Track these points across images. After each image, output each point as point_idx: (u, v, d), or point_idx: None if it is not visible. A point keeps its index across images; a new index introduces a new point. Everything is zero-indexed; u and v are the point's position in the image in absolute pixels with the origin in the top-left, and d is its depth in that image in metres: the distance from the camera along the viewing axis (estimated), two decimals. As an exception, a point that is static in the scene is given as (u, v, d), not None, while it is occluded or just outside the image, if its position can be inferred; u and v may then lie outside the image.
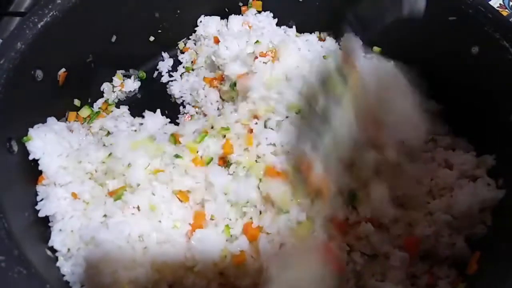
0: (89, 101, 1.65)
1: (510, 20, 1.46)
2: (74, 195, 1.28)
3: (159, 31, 1.79)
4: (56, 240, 1.21)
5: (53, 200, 1.24)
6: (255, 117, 1.42)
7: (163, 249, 1.19)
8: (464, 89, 1.45)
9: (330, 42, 1.79)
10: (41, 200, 1.27)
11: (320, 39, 1.81)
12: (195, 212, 1.27)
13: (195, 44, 1.85)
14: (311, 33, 1.83)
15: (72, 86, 1.50)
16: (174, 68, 1.83)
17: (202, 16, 1.82)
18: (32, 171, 1.31)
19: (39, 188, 1.30)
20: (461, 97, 1.46)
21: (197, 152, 1.35)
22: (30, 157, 1.28)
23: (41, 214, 1.24)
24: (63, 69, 1.44)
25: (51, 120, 1.40)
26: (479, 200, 1.27)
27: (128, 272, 1.12)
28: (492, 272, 1.15)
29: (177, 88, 1.74)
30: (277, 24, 1.84)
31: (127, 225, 1.19)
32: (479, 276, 1.18)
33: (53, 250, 1.22)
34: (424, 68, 1.57)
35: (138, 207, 1.24)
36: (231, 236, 1.23)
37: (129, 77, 1.76)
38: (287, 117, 1.42)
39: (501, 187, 1.29)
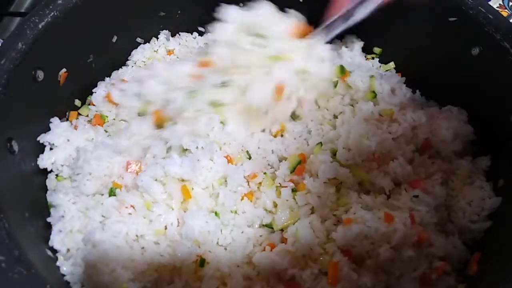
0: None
1: (511, 20, 1.45)
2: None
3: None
4: (56, 240, 1.22)
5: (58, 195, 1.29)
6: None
7: (161, 248, 1.19)
8: (464, 89, 1.45)
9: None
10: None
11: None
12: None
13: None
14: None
15: (73, 86, 1.50)
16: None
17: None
18: (32, 171, 1.32)
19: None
20: (461, 98, 1.46)
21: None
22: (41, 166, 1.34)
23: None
24: (64, 69, 1.44)
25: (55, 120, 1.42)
26: (477, 204, 1.29)
27: (127, 271, 1.13)
28: (492, 272, 1.15)
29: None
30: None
31: (124, 224, 1.19)
32: (479, 277, 1.18)
33: (53, 250, 1.23)
34: (424, 69, 1.59)
35: (133, 206, 1.25)
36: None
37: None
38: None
39: (501, 187, 1.29)
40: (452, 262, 1.23)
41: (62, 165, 1.37)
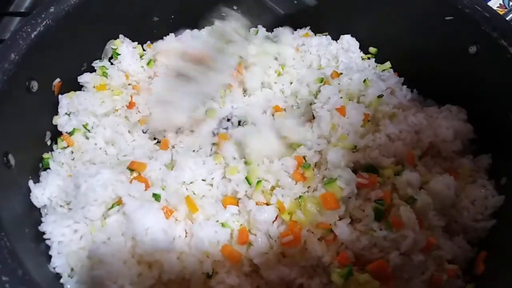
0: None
1: (507, 18, 1.45)
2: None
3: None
4: (57, 262, 1.18)
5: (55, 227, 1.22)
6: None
7: (169, 261, 1.15)
8: (462, 88, 1.46)
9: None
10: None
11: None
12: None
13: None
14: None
15: (67, 96, 1.47)
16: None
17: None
18: (29, 186, 1.28)
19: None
20: (459, 97, 1.46)
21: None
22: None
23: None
24: (58, 79, 1.41)
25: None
26: (480, 203, 1.29)
27: (136, 287, 1.10)
28: (499, 271, 1.16)
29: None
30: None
31: (129, 239, 1.16)
32: (487, 276, 1.18)
33: (57, 267, 1.20)
34: (421, 68, 1.59)
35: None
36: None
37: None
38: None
39: (504, 185, 1.30)
40: (458, 262, 1.23)
41: (55, 197, 1.29)
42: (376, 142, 1.31)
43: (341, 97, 1.44)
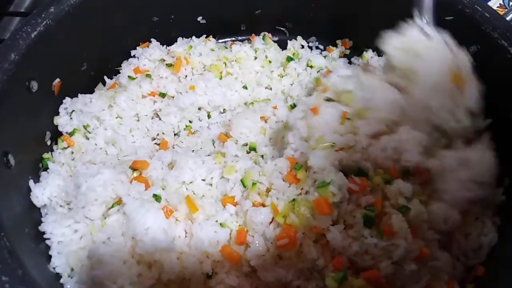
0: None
1: (507, 19, 1.45)
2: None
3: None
4: (57, 262, 1.18)
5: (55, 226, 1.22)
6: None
7: (169, 261, 1.15)
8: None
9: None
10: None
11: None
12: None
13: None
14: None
15: (67, 96, 1.48)
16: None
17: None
18: (30, 185, 1.28)
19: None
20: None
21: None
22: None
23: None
24: (58, 79, 1.41)
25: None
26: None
27: (136, 287, 1.10)
28: (500, 272, 1.16)
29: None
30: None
31: (129, 239, 1.16)
32: (487, 276, 1.18)
33: (57, 267, 1.20)
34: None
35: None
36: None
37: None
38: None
39: (507, 186, 1.29)
40: (456, 270, 1.22)
41: (55, 196, 1.30)
42: (358, 144, 1.27)
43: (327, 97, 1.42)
